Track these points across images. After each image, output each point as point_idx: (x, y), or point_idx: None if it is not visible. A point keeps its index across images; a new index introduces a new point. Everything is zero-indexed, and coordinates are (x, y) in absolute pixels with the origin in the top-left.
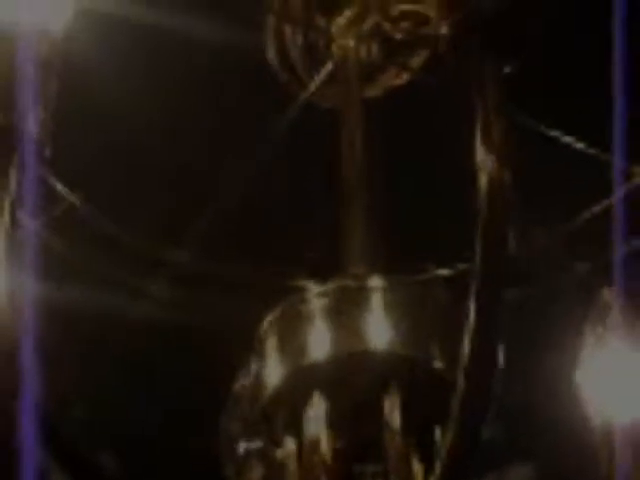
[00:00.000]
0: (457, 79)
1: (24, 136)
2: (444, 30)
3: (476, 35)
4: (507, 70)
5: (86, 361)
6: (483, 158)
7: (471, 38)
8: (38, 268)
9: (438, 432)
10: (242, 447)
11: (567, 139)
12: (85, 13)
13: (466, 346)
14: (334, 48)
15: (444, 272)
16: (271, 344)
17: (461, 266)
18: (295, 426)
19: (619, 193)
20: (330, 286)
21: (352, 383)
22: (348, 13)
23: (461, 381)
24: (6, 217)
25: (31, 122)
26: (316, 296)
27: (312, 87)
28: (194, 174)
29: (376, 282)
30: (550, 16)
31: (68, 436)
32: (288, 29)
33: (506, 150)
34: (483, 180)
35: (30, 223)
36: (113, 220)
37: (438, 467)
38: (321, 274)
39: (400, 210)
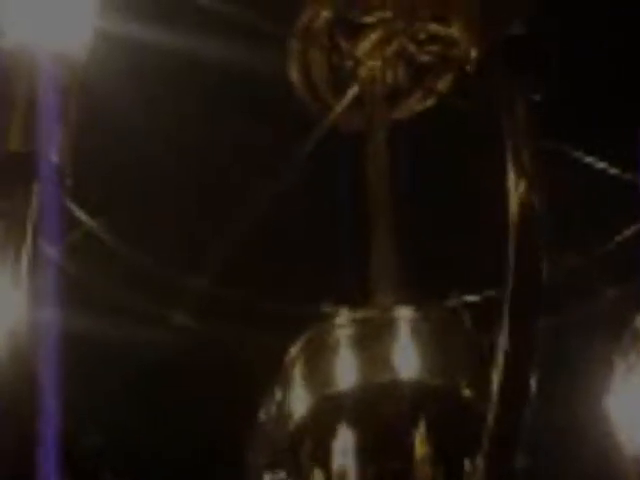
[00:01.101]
0: (485, 102)
1: (45, 164)
2: (472, 53)
3: (506, 58)
4: (537, 93)
5: (102, 388)
6: (513, 182)
7: (500, 61)
8: (58, 296)
9: (468, 463)
10: (267, 478)
11: (600, 164)
12: (105, 37)
13: (497, 375)
14: (360, 71)
15: (471, 298)
16: (297, 373)
17: (489, 292)
18: (322, 457)
19: None
20: (356, 315)
21: (380, 413)
22: (373, 36)
23: (492, 412)
24: (28, 245)
25: (52, 149)
26: (342, 325)
27: (337, 110)
28: (216, 199)
29: (403, 312)
30: (581, 39)
31: (84, 462)
32: (312, 52)
33: (537, 174)
34: (514, 205)
35: (50, 250)
36: (133, 246)
37: None
38: (347, 301)
39: (426, 235)
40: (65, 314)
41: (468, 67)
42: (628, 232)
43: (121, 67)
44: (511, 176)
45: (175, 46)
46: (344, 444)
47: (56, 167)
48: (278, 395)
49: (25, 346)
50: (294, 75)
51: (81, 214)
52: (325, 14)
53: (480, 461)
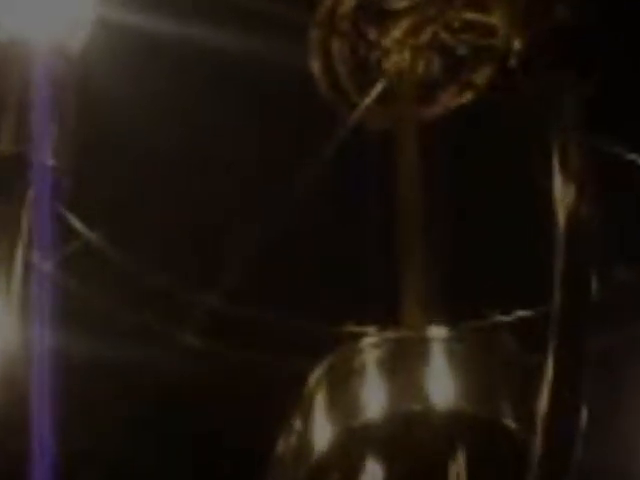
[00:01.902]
0: (528, 99)
1: (38, 165)
2: (516, 43)
3: (555, 51)
4: (587, 88)
5: (101, 419)
6: (561, 190)
7: (549, 54)
8: (53, 314)
9: None
10: None
11: None
12: (108, 33)
13: (544, 403)
14: (387, 64)
15: (513, 317)
16: (319, 400)
17: (533, 310)
18: None
19: None
20: (385, 336)
21: (411, 446)
22: (403, 24)
23: (538, 444)
24: (18, 262)
25: (46, 149)
26: (370, 347)
27: (362, 107)
28: (230, 209)
29: (436, 332)
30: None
31: None
32: (335, 43)
33: (587, 180)
34: (561, 215)
35: (44, 265)
36: (137, 260)
37: None
38: (374, 320)
39: (463, 248)
40: (61, 334)
41: (509, 59)
42: None
43: (126, 64)
44: (558, 182)
45: (187, 38)
46: None
47: (52, 170)
48: (298, 425)
49: (16, 369)
50: (315, 67)
51: (79, 224)
52: None
53: None
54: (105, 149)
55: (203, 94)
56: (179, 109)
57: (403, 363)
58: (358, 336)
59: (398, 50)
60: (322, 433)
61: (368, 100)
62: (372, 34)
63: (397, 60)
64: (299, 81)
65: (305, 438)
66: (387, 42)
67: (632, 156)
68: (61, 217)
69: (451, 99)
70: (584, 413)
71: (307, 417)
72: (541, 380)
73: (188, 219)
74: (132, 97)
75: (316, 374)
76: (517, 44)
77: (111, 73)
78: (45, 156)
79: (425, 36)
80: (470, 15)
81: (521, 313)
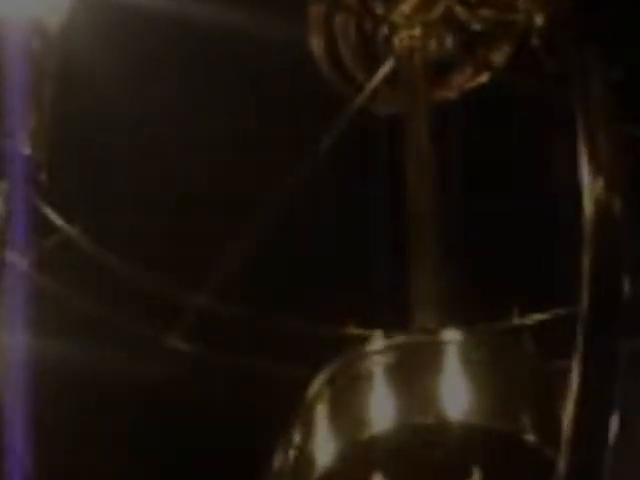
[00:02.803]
0: (551, 81)
1: (13, 155)
2: (538, 20)
3: (583, 28)
4: (616, 70)
5: (83, 431)
6: (588, 179)
7: (575, 32)
8: (29, 315)
9: None
10: None
11: None
12: (89, 9)
13: (569, 416)
14: (396, 41)
15: (535, 318)
16: (321, 411)
17: (558, 310)
18: None
19: None
20: (394, 340)
21: (422, 462)
22: None
23: (563, 461)
24: None
25: (22, 138)
26: (376, 352)
27: (368, 89)
28: (219, 200)
29: (450, 335)
30: None
31: None
32: (338, 18)
33: (616, 169)
34: (589, 207)
35: (20, 262)
36: (119, 257)
37: None
38: (381, 322)
39: (478, 244)
40: (38, 336)
41: (531, 37)
42: None
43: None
44: (585, 171)
45: (169, 10)
46: None
47: (27, 159)
48: (297, 438)
49: None
50: (315, 45)
51: (57, 219)
52: None
53: None
54: (84, 135)
55: (188, 74)
56: (165, 91)
57: (413, 370)
58: (363, 340)
59: (408, 26)
60: (324, 447)
61: (374, 82)
62: (379, 8)
63: (406, 37)
64: (297, 61)
65: (305, 453)
66: (396, 17)
67: None
68: (38, 210)
69: (466, 80)
70: (615, 426)
71: (307, 430)
72: (566, 390)
73: (176, 213)
74: (116, 81)
75: (317, 382)
76: (539, 20)
77: (92, 53)
78: (20, 145)
79: (437, 11)
80: None
81: (544, 315)
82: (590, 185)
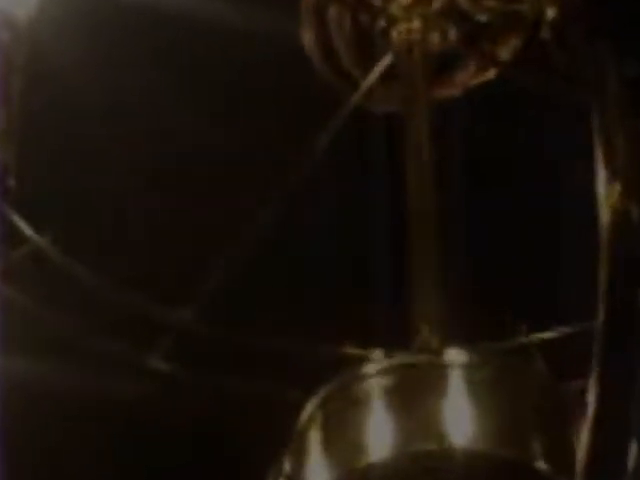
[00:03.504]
0: (562, 77)
1: None
2: (549, 11)
3: (596, 21)
4: (632, 69)
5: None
6: (604, 184)
7: (589, 24)
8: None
9: None
10: None
11: None
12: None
13: (584, 442)
14: (394, 35)
15: (546, 336)
16: (313, 438)
17: (571, 327)
18: None
19: None
20: (393, 361)
21: None
22: None
23: None
24: None
25: None
26: (374, 374)
27: (364, 87)
28: (203, 206)
29: (454, 356)
30: None
31: None
32: (332, 9)
33: (634, 174)
34: (605, 214)
35: None
36: (93, 269)
37: None
38: (379, 341)
39: (484, 255)
40: (6, 354)
41: (540, 30)
42: None
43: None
44: (602, 176)
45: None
46: None
47: None
48: (288, 468)
49: None
50: (306, 39)
51: (27, 228)
52: None
53: None
54: (55, 134)
55: (165, 71)
56: (143, 88)
57: (414, 393)
58: (360, 360)
59: (407, 19)
60: (317, 477)
61: (371, 78)
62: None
63: (405, 30)
64: (287, 55)
65: None
66: (394, 9)
67: None
68: (6, 219)
69: (470, 77)
70: (634, 453)
71: (299, 457)
72: (580, 413)
73: (157, 221)
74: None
75: (310, 406)
76: (549, 12)
77: (62, 47)
78: None
79: (439, 1)
80: None
81: (556, 331)
82: (606, 190)
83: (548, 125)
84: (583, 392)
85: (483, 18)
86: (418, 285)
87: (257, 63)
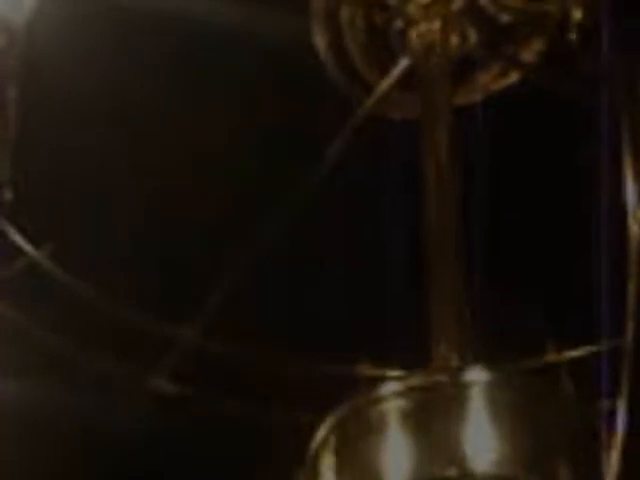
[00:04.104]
0: (589, 81)
1: None
2: (575, 13)
3: (628, 27)
4: None
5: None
6: (633, 197)
7: (619, 26)
8: None
9: None
10: None
11: None
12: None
13: (613, 468)
14: (412, 36)
15: (572, 355)
16: (326, 464)
17: (599, 344)
18: None
19: None
20: (410, 381)
21: None
22: None
23: None
24: None
25: None
26: (391, 395)
27: (380, 92)
28: (208, 218)
29: (475, 375)
30: None
31: None
32: (346, 10)
33: None
34: (635, 229)
35: None
36: (92, 285)
37: None
38: (395, 361)
39: (506, 271)
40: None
41: (566, 31)
42: None
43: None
44: (630, 188)
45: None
46: None
47: None
48: None
49: None
50: (319, 42)
51: (23, 241)
52: None
53: None
54: (52, 142)
55: (164, 74)
56: (138, 91)
57: (432, 415)
58: (376, 381)
59: (425, 19)
60: None
61: (388, 83)
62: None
63: (424, 32)
64: (299, 59)
65: None
66: (411, 9)
67: None
68: (2, 233)
69: (492, 80)
70: None
71: None
72: (610, 436)
73: (158, 233)
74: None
75: (323, 430)
76: (576, 13)
77: (58, 51)
78: None
79: (459, 1)
80: None
81: (583, 349)
82: (636, 203)
83: (576, 133)
84: (612, 413)
85: (505, 19)
86: (437, 300)
87: (266, 69)
